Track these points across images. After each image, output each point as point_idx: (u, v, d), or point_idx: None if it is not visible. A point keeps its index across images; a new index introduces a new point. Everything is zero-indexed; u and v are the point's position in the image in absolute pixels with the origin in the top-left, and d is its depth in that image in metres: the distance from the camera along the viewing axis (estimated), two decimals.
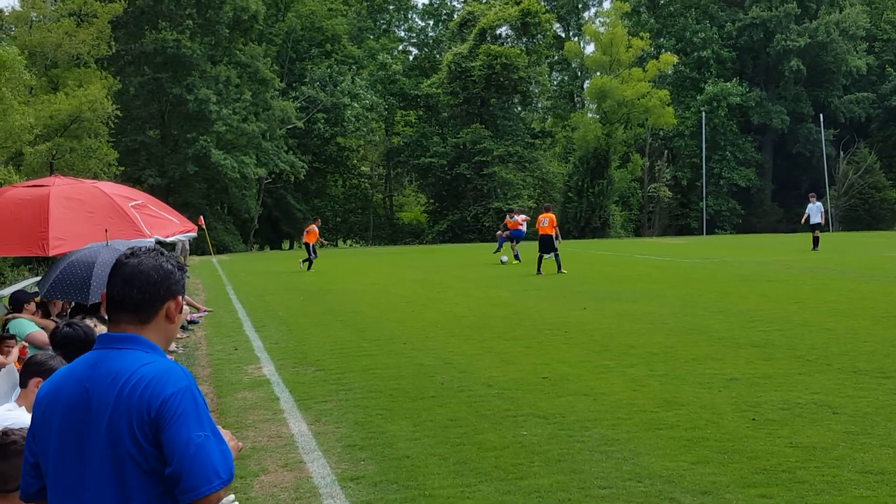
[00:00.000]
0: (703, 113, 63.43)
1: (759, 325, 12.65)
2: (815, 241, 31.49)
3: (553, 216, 24.31)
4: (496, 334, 12.66)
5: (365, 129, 58.52)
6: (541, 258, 23.75)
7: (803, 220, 32.53)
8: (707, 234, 60.14)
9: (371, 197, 68.44)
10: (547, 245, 23.62)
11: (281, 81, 53.74)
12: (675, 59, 62.10)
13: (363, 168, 68.69)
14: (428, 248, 46.80)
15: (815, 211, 31.69)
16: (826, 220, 31.63)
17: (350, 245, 66.68)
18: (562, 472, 6.12)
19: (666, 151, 66.42)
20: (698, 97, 65.63)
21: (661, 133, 65.29)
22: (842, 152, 63.62)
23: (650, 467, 6.17)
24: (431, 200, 62.38)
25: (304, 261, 29.05)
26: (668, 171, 64.58)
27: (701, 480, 5.85)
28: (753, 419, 7.37)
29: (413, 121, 65.29)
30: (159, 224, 10.43)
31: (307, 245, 28.95)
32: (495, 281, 22.02)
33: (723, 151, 66.18)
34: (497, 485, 5.91)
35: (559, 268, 23.37)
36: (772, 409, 7.66)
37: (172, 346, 10.32)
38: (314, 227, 29.20)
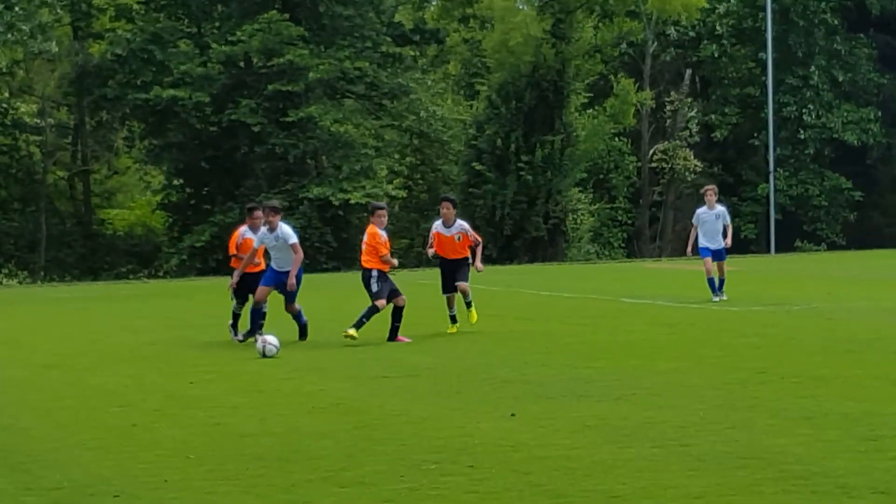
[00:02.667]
0: None
1: (887, 448, 13.53)
2: None
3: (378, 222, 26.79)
4: (319, 474, 13.48)
5: (25, 29, 60.75)
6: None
7: None
8: (777, 250, 63.79)
9: (41, 177, 70.18)
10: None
11: None
12: None
13: (23, 112, 71.40)
14: (171, 286, 50.62)
15: None
16: None
17: None
18: None
19: (688, 72, 69.89)
20: None
21: (673, 32, 68.06)
22: None
23: None
24: (177, 183, 66.32)
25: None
26: (692, 113, 67.20)
27: None
28: None
29: (134, 6, 68.36)
30: None
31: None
32: (325, 355, 23.96)
33: (808, 70, 68.25)
34: None
35: (393, 333, 26.30)
36: None
37: None
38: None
